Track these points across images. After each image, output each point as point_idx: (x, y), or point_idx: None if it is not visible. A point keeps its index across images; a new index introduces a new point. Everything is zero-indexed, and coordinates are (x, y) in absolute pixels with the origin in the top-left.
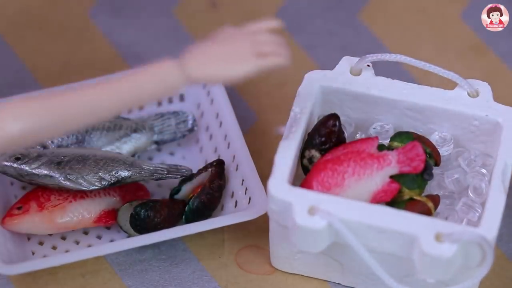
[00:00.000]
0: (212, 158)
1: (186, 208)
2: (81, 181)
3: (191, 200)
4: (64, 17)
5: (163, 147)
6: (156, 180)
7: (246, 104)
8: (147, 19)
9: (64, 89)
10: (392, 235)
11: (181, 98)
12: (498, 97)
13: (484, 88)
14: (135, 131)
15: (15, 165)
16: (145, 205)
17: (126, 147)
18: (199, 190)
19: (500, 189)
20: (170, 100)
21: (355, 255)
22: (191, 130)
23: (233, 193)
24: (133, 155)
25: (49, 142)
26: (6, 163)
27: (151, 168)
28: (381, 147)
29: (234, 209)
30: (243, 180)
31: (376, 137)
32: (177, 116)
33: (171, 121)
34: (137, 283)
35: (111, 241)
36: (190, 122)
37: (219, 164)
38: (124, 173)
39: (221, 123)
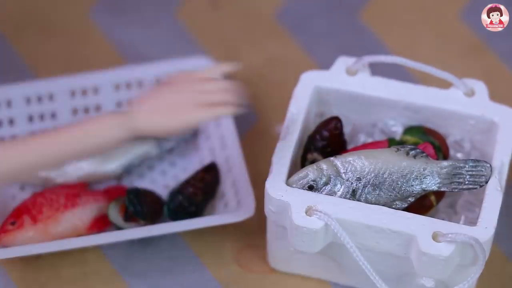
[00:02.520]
0: (207, 158)
1: (168, 199)
2: None
3: (172, 192)
4: (64, 16)
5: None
6: None
7: (245, 104)
8: (147, 18)
9: (13, 139)
10: (389, 234)
11: None
12: (498, 97)
13: (480, 88)
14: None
15: None
16: (134, 189)
17: (125, 153)
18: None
19: (496, 187)
20: None
21: (353, 255)
22: (194, 134)
23: (223, 194)
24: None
25: None
26: None
27: None
28: (392, 142)
29: (224, 210)
30: (234, 182)
31: (386, 140)
32: None
33: None
34: (138, 282)
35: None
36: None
37: (210, 164)
38: None
39: (218, 125)
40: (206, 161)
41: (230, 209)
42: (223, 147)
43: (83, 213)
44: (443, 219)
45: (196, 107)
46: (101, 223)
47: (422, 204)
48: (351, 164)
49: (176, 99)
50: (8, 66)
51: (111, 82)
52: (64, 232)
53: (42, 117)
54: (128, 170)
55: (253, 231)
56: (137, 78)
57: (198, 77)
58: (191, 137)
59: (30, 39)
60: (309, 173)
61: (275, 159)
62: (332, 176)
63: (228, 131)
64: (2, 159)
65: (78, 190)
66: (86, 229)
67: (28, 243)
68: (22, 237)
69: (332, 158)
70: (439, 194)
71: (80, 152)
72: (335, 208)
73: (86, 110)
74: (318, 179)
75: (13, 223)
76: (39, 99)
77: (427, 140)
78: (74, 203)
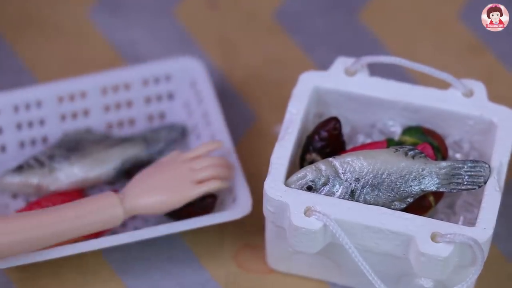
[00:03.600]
0: None
1: None
2: None
3: None
4: (63, 16)
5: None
6: None
7: (245, 103)
8: (147, 19)
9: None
10: (388, 235)
11: (170, 97)
12: (497, 97)
13: (479, 88)
14: (125, 140)
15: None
16: None
17: (116, 154)
18: None
19: (495, 188)
20: (159, 99)
21: (351, 256)
22: (182, 134)
23: (218, 192)
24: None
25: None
26: None
27: None
28: (391, 143)
29: (220, 208)
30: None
31: (385, 141)
32: (168, 127)
33: (161, 133)
34: (137, 282)
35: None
36: (180, 130)
37: None
38: None
39: (209, 123)
40: None
41: (227, 207)
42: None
43: None
44: (441, 220)
45: (187, 185)
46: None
47: (420, 205)
48: (349, 165)
49: (167, 179)
50: (7, 66)
51: (98, 86)
52: None
53: (30, 124)
54: (120, 174)
55: (252, 232)
56: (124, 81)
57: (187, 156)
58: (180, 136)
59: (29, 39)
60: (308, 173)
61: (273, 159)
62: (330, 177)
63: (219, 129)
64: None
65: (74, 198)
66: (81, 237)
67: None
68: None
69: (330, 159)
70: (437, 195)
71: (80, 230)
72: (334, 209)
73: (74, 116)
74: (317, 179)
75: None
76: (27, 106)
77: (426, 141)
78: None
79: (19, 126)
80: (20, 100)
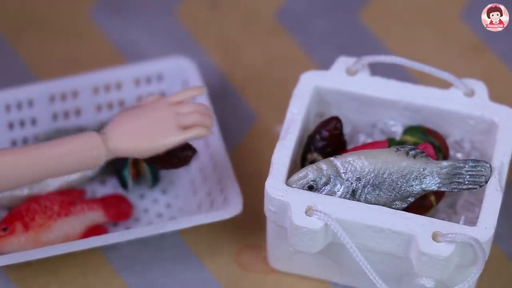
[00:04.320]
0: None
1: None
2: None
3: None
4: (64, 16)
5: None
6: None
7: (245, 103)
8: (147, 18)
9: None
10: (389, 235)
11: (162, 94)
12: (498, 97)
13: (480, 88)
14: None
15: None
16: None
17: None
18: None
19: (496, 187)
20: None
21: (352, 255)
22: None
23: (210, 192)
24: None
25: None
26: None
27: None
28: (392, 142)
29: (210, 208)
30: (219, 180)
31: (386, 141)
32: None
33: None
34: (138, 282)
35: None
36: None
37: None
38: None
39: None
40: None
41: (217, 207)
42: (207, 145)
43: (76, 221)
44: (443, 219)
45: (171, 129)
46: (94, 233)
47: (422, 204)
48: (350, 164)
49: (151, 122)
50: (7, 65)
51: (90, 86)
52: (56, 240)
53: (22, 123)
54: (105, 167)
55: (253, 231)
56: (116, 80)
57: (171, 100)
58: None
59: (30, 39)
60: (309, 173)
61: (274, 159)
62: (332, 176)
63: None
64: None
65: (74, 198)
66: (78, 238)
67: (19, 249)
68: (12, 244)
69: (332, 158)
70: (439, 194)
71: (61, 170)
72: (335, 208)
73: (66, 115)
74: (318, 179)
75: (4, 229)
76: (19, 105)
77: (427, 140)
78: (68, 212)
79: (10, 126)
80: (11, 99)
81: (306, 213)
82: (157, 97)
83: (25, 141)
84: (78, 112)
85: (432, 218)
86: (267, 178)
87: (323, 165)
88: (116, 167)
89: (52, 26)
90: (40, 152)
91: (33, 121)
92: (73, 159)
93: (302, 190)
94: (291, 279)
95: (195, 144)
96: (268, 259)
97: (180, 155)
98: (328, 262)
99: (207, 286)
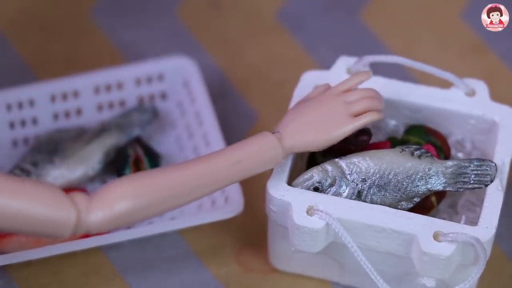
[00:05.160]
0: (191, 156)
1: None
2: None
3: None
4: (65, 16)
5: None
6: None
7: (246, 103)
8: (148, 18)
9: (167, 167)
10: (390, 234)
11: (163, 97)
12: (498, 97)
13: (481, 87)
14: (101, 131)
15: None
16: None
17: (97, 147)
18: None
19: (497, 187)
20: (152, 98)
21: (354, 255)
22: (155, 115)
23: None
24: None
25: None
26: None
27: None
28: (394, 142)
29: (212, 208)
30: None
31: (388, 141)
32: (138, 110)
33: (133, 117)
34: (139, 282)
35: None
36: (151, 111)
37: None
38: None
39: (201, 123)
40: (188, 158)
41: (218, 206)
42: (207, 145)
43: None
44: (444, 219)
45: (343, 119)
46: None
47: (423, 205)
48: (356, 165)
49: (322, 115)
50: (9, 65)
51: (91, 85)
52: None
53: (23, 123)
54: (105, 166)
55: (254, 231)
56: (117, 80)
57: (338, 89)
58: (153, 118)
59: (31, 39)
60: (314, 174)
61: None
62: (337, 178)
63: (212, 129)
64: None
65: None
66: (79, 237)
67: (20, 249)
68: (13, 243)
69: (337, 159)
70: (440, 195)
71: (239, 176)
72: (336, 208)
73: (67, 115)
74: (323, 180)
75: None
76: (20, 105)
77: (429, 140)
78: None
79: (11, 125)
80: (13, 99)
81: (307, 212)
82: (323, 88)
83: (26, 141)
84: (79, 112)
85: (433, 218)
86: (269, 178)
87: (328, 166)
88: (116, 167)
89: (53, 26)
90: (218, 160)
91: (34, 121)
92: (251, 164)
93: (304, 190)
94: (292, 278)
95: None
96: (269, 258)
97: (355, 142)
98: (329, 262)
99: (208, 285)
